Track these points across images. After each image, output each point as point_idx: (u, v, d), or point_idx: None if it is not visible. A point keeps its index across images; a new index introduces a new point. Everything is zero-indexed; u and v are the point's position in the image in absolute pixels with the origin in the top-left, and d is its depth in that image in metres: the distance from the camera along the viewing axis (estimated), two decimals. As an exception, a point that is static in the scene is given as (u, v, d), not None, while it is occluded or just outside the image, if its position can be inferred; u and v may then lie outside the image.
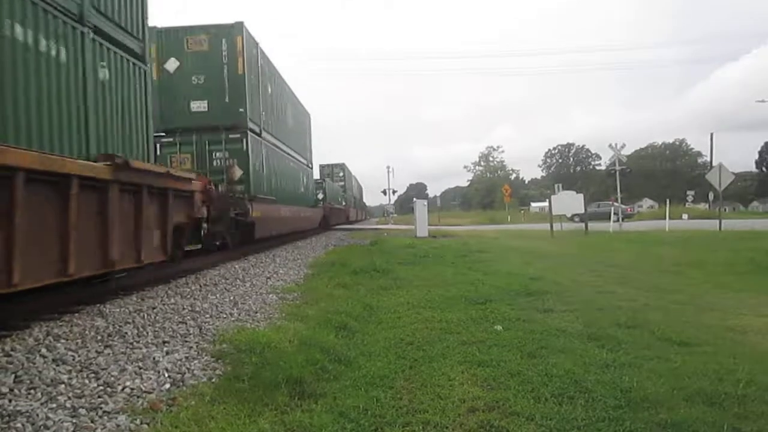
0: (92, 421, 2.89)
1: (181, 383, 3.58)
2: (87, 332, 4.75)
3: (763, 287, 7.64)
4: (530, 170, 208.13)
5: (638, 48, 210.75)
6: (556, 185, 31.07)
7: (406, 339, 4.88)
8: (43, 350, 4.08)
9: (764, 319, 5.62)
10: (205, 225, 9.62)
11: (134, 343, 4.44)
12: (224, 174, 12.09)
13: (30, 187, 4.37)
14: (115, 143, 6.61)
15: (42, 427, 2.77)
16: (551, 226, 21.11)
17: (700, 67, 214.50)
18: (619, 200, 25.58)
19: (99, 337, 4.60)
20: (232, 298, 6.88)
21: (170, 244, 7.35)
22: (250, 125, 12.96)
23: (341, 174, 43.44)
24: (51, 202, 4.79)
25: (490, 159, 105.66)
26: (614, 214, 22.99)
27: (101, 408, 3.06)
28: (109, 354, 4.10)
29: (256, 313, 6.02)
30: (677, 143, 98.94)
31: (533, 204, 79.29)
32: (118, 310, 5.80)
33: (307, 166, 22.85)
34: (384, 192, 49.30)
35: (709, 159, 48.34)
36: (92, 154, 5.92)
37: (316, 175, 30.31)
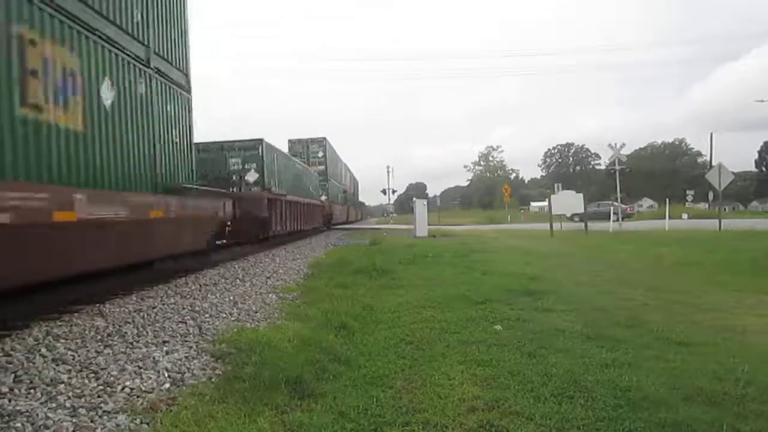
0: (92, 421, 2.90)
1: (180, 383, 3.58)
2: (87, 332, 4.76)
3: (763, 287, 7.64)
4: (530, 170, 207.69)
5: (638, 48, 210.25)
6: (555, 185, 31.13)
7: (406, 339, 4.88)
8: (43, 350, 4.09)
9: (763, 318, 5.62)
10: None
11: (134, 343, 4.45)
12: None
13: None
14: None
15: (42, 427, 2.77)
16: (551, 226, 21.10)
17: (700, 67, 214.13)
18: (619, 200, 25.56)
19: (99, 337, 4.60)
20: (231, 297, 6.88)
21: None
22: None
23: (321, 154, 29.37)
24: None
25: (490, 159, 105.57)
26: (614, 213, 22.99)
27: (101, 408, 3.07)
28: (108, 354, 4.10)
29: (256, 312, 6.03)
30: (677, 143, 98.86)
31: (533, 204, 79.14)
32: (117, 309, 5.81)
33: (178, 86, 9.01)
34: (384, 192, 49.26)
35: (708, 159, 48.38)
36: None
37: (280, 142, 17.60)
